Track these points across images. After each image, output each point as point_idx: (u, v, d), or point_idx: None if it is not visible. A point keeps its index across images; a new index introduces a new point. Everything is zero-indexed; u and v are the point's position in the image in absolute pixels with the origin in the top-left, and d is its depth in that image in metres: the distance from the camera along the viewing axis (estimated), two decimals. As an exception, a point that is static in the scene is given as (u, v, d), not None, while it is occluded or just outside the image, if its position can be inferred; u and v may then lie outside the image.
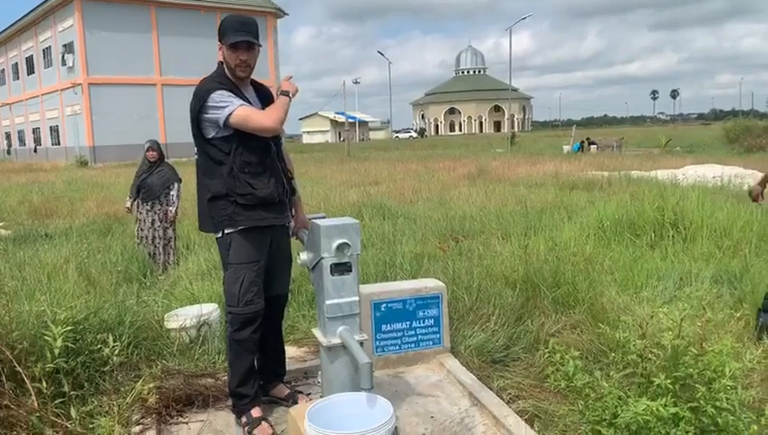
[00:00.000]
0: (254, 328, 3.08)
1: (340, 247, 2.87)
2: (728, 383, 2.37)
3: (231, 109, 2.91)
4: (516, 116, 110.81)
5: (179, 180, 7.19)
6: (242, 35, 2.98)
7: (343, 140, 45.30)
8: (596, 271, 5.11)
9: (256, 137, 2.98)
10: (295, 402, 3.28)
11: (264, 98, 3.20)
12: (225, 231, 3.05)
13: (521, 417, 3.10)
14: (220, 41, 3.02)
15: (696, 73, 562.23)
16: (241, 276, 3.02)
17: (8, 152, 47.39)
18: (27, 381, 3.01)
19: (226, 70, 3.06)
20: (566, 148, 31.54)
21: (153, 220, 7.07)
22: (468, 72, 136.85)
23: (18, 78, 45.15)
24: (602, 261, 5.47)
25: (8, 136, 48.48)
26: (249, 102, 3.04)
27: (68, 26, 35.98)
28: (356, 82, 73.56)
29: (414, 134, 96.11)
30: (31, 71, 42.82)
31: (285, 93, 3.07)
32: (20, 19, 41.65)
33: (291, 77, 3.15)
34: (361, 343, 2.89)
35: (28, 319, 3.47)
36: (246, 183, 2.98)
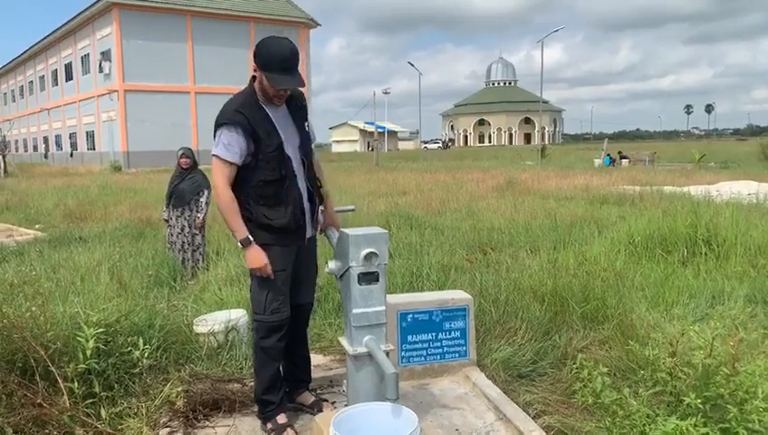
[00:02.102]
0: (280, 336, 3.11)
1: (368, 257, 2.89)
2: (761, 405, 2.33)
3: (215, 152, 2.96)
4: (547, 128, 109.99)
5: (209, 187, 7.28)
6: (287, 80, 2.92)
7: (372, 149, 45.42)
8: (626, 287, 5.04)
9: (273, 166, 2.98)
10: (320, 410, 3.30)
11: (295, 108, 3.15)
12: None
13: (547, 432, 3.07)
14: (258, 67, 2.94)
15: (732, 88, 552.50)
16: (267, 284, 3.05)
17: (45, 156, 48.56)
18: (60, 381, 3.07)
19: (258, 91, 3.02)
20: (597, 161, 31.21)
21: (183, 226, 7.18)
22: (499, 83, 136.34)
23: (57, 84, 46.33)
24: (632, 277, 5.39)
25: (46, 140, 49.70)
26: (272, 123, 3.00)
27: (106, 34, 36.85)
28: (386, 93, 73.80)
29: (441, 145, 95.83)
30: (69, 77, 43.92)
31: (247, 243, 2.96)
32: (60, 27, 42.79)
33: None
34: (387, 354, 2.90)
35: (62, 320, 3.55)
36: (262, 214, 3.01)
